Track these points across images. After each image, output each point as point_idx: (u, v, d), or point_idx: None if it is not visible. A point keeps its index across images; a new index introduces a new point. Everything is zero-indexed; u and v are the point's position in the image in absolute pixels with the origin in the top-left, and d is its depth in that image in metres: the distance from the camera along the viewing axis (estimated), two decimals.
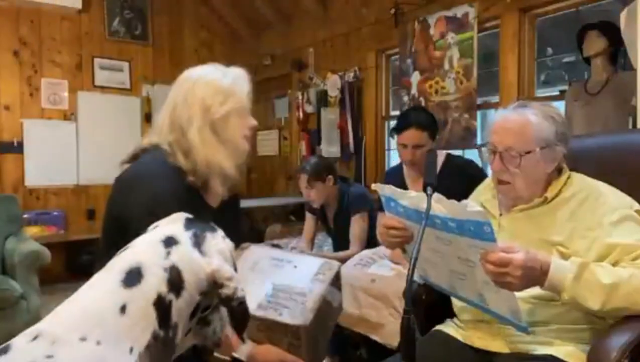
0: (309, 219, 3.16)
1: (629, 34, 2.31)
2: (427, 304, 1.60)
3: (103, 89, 5.14)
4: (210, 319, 0.99)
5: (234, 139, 1.43)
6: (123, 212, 1.33)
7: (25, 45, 4.86)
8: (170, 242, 0.94)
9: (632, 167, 1.51)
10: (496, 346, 1.33)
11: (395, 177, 2.66)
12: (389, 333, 2.13)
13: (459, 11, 3.68)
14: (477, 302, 1.27)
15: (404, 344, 1.00)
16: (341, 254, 2.83)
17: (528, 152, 1.34)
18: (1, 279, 3.20)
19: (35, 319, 3.16)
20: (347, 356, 2.78)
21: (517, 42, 3.40)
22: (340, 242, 2.97)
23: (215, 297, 0.96)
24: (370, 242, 2.81)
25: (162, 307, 0.87)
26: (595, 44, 2.80)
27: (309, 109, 5.03)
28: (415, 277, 1.48)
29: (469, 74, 3.64)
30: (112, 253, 1.02)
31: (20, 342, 0.80)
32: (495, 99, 3.70)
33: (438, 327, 1.54)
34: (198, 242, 0.96)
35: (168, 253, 0.92)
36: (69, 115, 5.06)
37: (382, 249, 2.63)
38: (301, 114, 5.10)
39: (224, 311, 1.01)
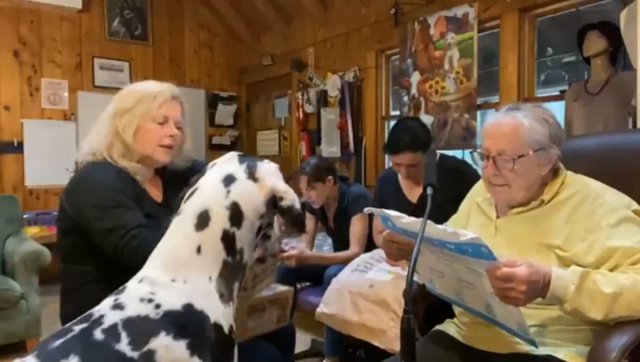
0: (309, 219, 3.16)
1: (629, 34, 2.31)
2: (427, 304, 1.60)
3: (103, 89, 5.12)
4: (269, 233, 1.21)
5: (138, 145, 1.56)
6: (79, 219, 1.49)
7: (25, 45, 4.87)
8: (229, 180, 1.12)
9: (632, 167, 1.51)
10: (496, 346, 1.33)
11: (390, 182, 2.65)
12: (390, 339, 2.13)
13: (459, 11, 3.68)
14: (485, 314, 1.25)
15: (404, 344, 1.00)
16: (341, 254, 2.83)
17: (521, 156, 1.32)
18: (1, 279, 3.20)
19: (35, 319, 3.17)
20: (346, 356, 2.78)
21: (517, 42, 3.40)
22: (340, 242, 2.97)
23: (272, 214, 1.16)
24: (371, 242, 2.81)
25: (227, 239, 1.08)
26: (595, 44, 2.80)
27: (309, 109, 5.03)
28: (416, 277, 1.48)
29: (469, 74, 3.64)
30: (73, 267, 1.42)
31: (131, 283, 1.04)
32: (495, 99, 3.70)
33: (438, 327, 1.54)
34: (251, 172, 1.14)
35: (228, 192, 1.10)
36: (69, 115, 5.06)
37: (379, 252, 2.62)
38: (301, 114, 5.09)
39: (276, 227, 1.22)
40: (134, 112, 1.55)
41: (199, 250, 1.06)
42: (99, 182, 1.49)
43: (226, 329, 1.05)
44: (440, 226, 1.15)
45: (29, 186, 4.87)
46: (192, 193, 1.14)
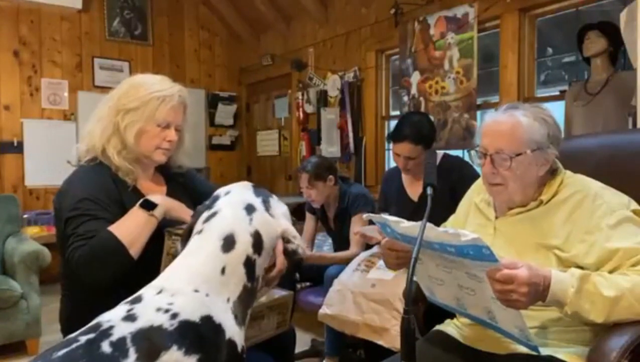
0: (309, 219, 3.16)
1: (629, 34, 2.31)
2: (427, 305, 1.60)
3: (103, 89, 5.11)
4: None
5: (137, 146, 1.55)
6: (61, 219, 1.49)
7: (25, 45, 4.87)
8: (250, 209, 1.16)
9: (632, 167, 1.51)
10: (496, 347, 1.33)
11: (394, 181, 2.66)
12: (394, 337, 2.12)
13: (459, 11, 3.68)
14: (486, 320, 1.25)
15: (404, 344, 1.00)
16: (341, 254, 2.83)
17: (519, 155, 1.31)
18: (1, 279, 3.20)
19: (35, 319, 3.17)
20: (346, 356, 2.78)
21: (517, 42, 3.40)
22: (340, 242, 2.97)
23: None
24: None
25: (249, 265, 1.11)
26: (595, 44, 2.80)
27: (309, 109, 5.03)
28: (415, 278, 1.48)
29: (469, 74, 3.64)
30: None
31: (149, 294, 1.02)
32: (495, 99, 3.70)
33: (438, 327, 1.54)
34: (267, 207, 1.19)
35: (251, 220, 1.14)
36: (69, 115, 5.06)
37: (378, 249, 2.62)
38: (301, 114, 5.09)
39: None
40: (138, 114, 1.53)
41: (223, 271, 1.07)
42: (70, 193, 1.48)
43: (239, 348, 1.04)
44: (440, 229, 1.14)
45: (29, 186, 4.88)
46: (213, 215, 1.15)
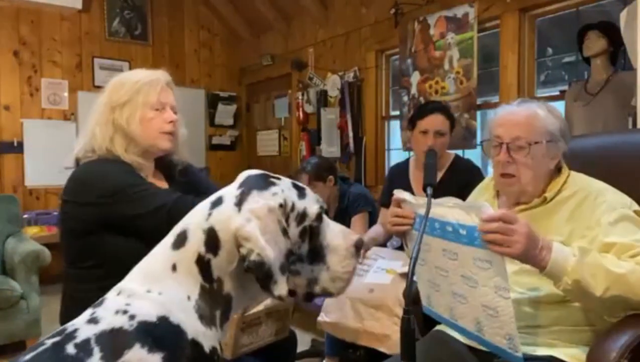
0: None
1: (629, 34, 2.32)
2: None
3: (103, 89, 5.10)
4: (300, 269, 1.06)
5: (144, 135, 1.55)
6: (97, 209, 1.44)
7: (25, 45, 4.87)
8: (216, 202, 1.04)
9: (632, 167, 1.51)
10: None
11: (400, 176, 2.62)
12: (395, 343, 2.10)
13: (459, 11, 3.68)
14: (474, 333, 1.24)
15: (404, 344, 1.00)
16: None
17: (536, 143, 1.34)
18: (1, 279, 3.20)
19: (35, 319, 3.17)
20: (346, 356, 2.78)
21: (517, 42, 3.40)
22: None
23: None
24: None
25: (202, 264, 1.01)
26: (595, 44, 2.80)
27: (309, 109, 5.03)
28: (416, 278, 1.48)
29: (469, 74, 3.64)
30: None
31: (110, 296, 1.01)
32: (495, 99, 3.70)
33: (438, 327, 1.54)
34: (241, 200, 1.01)
35: (209, 215, 1.02)
36: (69, 115, 5.06)
37: (375, 250, 2.59)
38: (301, 114, 5.09)
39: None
40: (134, 103, 1.55)
41: (174, 268, 1.01)
42: (115, 169, 1.49)
43: (206, 349, 0.99)
44: (451, 199, 1.17)
45: (29, 186, 4.87)
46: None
